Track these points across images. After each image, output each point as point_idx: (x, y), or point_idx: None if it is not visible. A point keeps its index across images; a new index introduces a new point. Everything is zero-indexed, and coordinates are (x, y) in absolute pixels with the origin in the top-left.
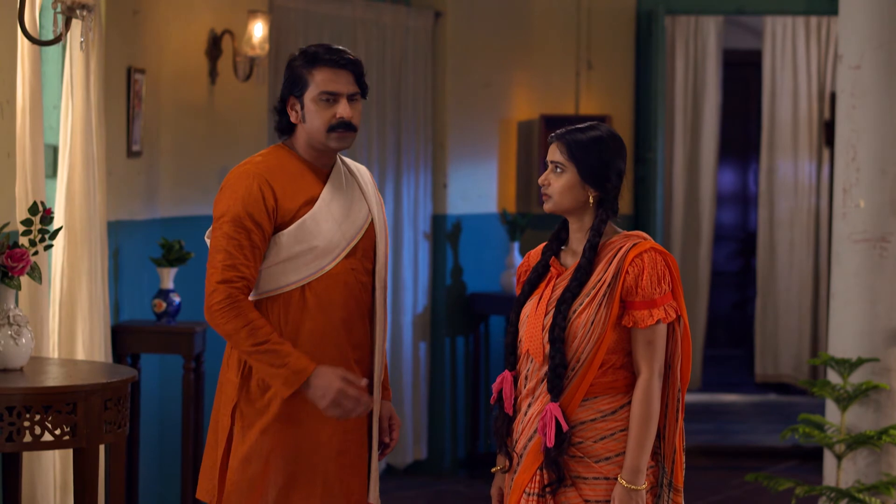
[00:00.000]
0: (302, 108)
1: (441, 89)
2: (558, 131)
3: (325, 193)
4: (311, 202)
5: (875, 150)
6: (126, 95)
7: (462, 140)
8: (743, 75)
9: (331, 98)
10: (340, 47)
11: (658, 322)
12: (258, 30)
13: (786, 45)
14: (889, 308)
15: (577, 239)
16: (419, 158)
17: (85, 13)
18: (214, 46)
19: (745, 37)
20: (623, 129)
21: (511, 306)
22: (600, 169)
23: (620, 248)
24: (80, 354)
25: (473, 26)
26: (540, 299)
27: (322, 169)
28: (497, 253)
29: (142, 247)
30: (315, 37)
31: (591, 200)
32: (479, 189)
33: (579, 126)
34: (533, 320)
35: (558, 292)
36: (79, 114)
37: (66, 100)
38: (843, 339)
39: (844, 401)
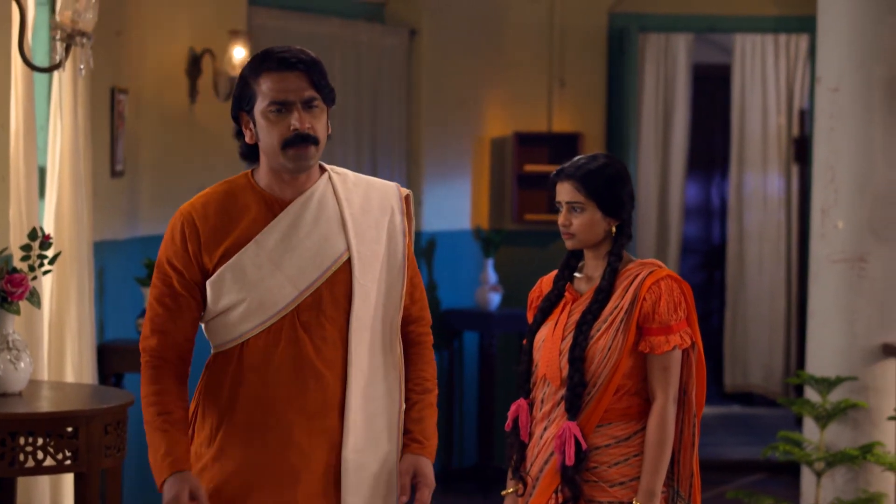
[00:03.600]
0: (254, 124)
1: (416, 106)
2: (565, 169)
3: (264, 235)
4: (239, 246)
5: (853, 172)
6: (110, 116)
7: (436, 157)
8: (708, 90)
9: (281, 108)
10: (294, 47)
11: (674, 348)
12: (238, 49)
13: (755, 62)
14: (867, 327)
15: (593, 266)
16: (394, 175)
17: (84, 41)
18: (194, 66)
19: (712, 52)
20: (595, 145)
21: (485, 322)
22: (618, 199)
23: (637, 275)
24: (70, 375)
25: (448, 44)
26: (556, 325)
27: (285, 201)
28: (471, 269)
29: (124, 266)
30: None
31: (612, 231)
32: (453, 206)
33: (582, 161)
34: (549, 345)
35: (575, 316)
36: (67, 135)
37: (55, 121)
38: (821, 358)
39: (823, 419)
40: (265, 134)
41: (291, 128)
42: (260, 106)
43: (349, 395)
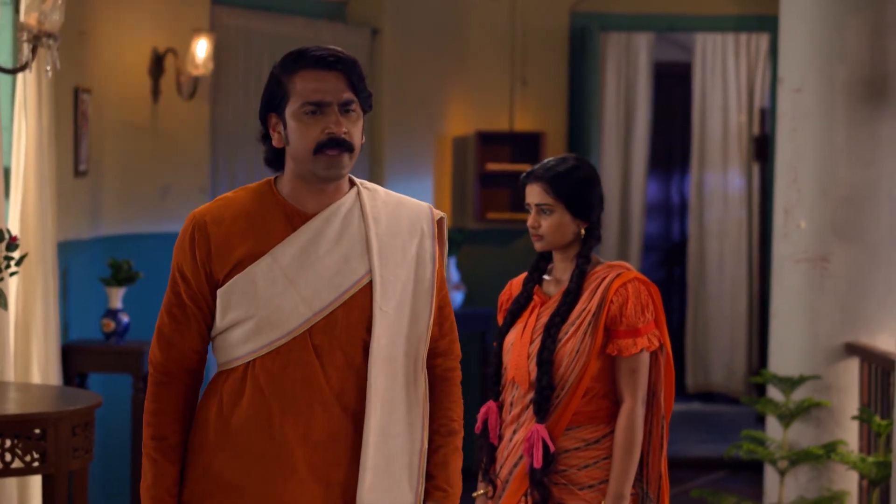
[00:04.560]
0: (284, 126)
1: (378, 105)
2: (534, 171)
3: (280, 249)
4: (253, 257)
5: (816, 172)
6: (73, 116)
7: (398, 155)
8: (669, 88)
9: (316, 109)
10: (332, 46)
11: (642, 351)
12: (202, 49)
13: (716, 60)
14: (829, 327)
15: (562, 268)
16: (356, 174)
17: (51, 42)
18: (157, 65)
19: (673, 50)
20: (557, 144)
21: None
22: (587, 202)
23: (604, 278)
24: (35, 375)
25: (410, 43)
26: (524, 327)
27: (307, 214)
28: None
29: (88, 266)
30: (255, 54)
31: (582, 233)
32: None
33: (551, 163)
34: (518, 348)
35: (544, 319)
36: (31, 135)
37: (19, 121)
38: (784, 357)
39: (787, 418)
40: (296, 137)
41: (326, 131)
42: (293, 106)
43: (367, 431)
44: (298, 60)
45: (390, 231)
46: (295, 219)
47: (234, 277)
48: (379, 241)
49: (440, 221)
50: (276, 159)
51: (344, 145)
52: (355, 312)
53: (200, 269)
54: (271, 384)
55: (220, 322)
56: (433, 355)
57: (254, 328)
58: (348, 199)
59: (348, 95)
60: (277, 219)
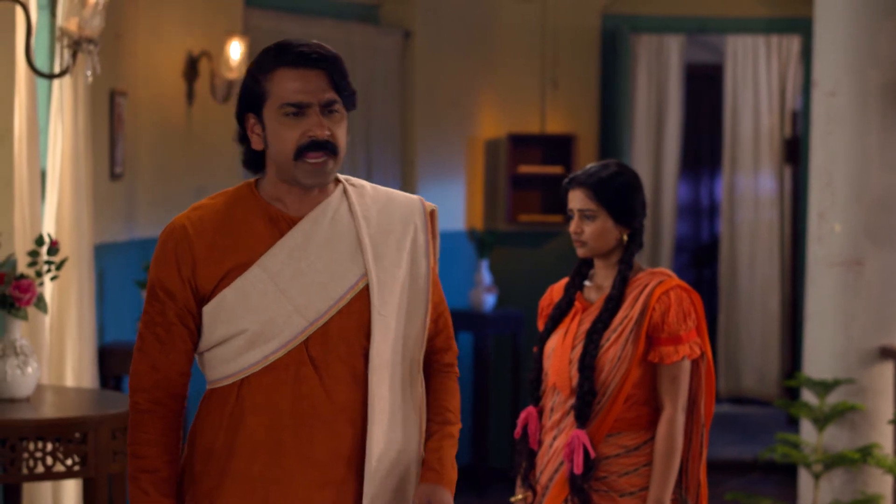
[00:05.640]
0: (263, 128)
1: (410, 108)
2: (576, 177)
3: (269, 257)
4: (241, 268)
5: (850, 176)
6: (109, 119)
7: (430, 158)
8: (700, 90)
9: (297, 111)
10: (313, 41)
11: (683, 358)
12: (235, 51)
13: (747, 62)
14: (863, 330)
15: (604, 274)
16: (388, 176)
17: (91, 47)
18: (191, 68)
19: (704, 52)
20: (588, 146)
21: (479, 323)
22: (630, 208)
23: (646, 285)
24: (70, 378)
25: (442, 46)
26: (566, 333)
27: (292, 217)
28: (466, 270)
29: (123, 268)
30: None
31: (624, 239)
32: (447, 206)
33: (594, 169)
34: (559, 353)
35: (585, 325)
36: (67, 138)
37: (55, 125)
38: (818, 361)
39: (821, 421)
40: (276, 140)
41: (308, 134)
42: (271, 107)
43: (371, 443)
44: (277, 57)
45: (382, 229)
46: (280, 223)
47: (223, 291)
48: (372, 241)
49: (432, 213)
50: (254, 161)
51: (327, 147)
52: (353, 318)
53: (186, 285)
54: (267, 403)
55: (208, 338)
56: (430, 352)
57: (245, 343)
58: (334, 198)
59: (331, 95)
60: (262, 223)
